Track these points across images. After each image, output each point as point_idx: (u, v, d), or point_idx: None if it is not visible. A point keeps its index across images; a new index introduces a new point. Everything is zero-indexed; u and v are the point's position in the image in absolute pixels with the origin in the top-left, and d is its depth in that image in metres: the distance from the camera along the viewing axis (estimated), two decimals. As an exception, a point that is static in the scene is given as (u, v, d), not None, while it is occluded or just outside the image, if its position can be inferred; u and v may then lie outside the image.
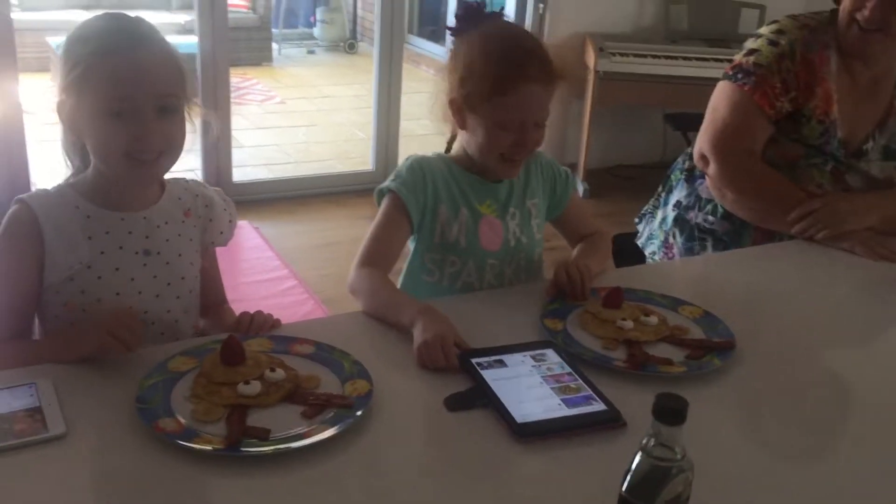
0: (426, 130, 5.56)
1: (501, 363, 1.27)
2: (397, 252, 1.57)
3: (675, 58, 4.37)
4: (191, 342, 1.32)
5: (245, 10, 7.16)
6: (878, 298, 1.68)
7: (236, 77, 6.55)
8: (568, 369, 1.27)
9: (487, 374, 1.24)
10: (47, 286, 1.29)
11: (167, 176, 1.37)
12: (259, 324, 1.34)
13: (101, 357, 1.22)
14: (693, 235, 2.07)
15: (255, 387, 1.15)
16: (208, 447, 1.05)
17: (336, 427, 1.10)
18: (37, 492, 1.00)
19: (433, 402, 1.19)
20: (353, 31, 8.13)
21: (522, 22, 4.69)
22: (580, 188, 4.30)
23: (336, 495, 1.02)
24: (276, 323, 1.36)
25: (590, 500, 1.03)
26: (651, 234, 2.21)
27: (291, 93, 6.65)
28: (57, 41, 4.74)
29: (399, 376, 1.26)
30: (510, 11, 4.87)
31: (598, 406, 1.19)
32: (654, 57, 4.37)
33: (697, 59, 4.34)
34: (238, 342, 1.21)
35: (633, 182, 4.59)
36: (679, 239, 2.09)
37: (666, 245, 2.14)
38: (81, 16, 5.52)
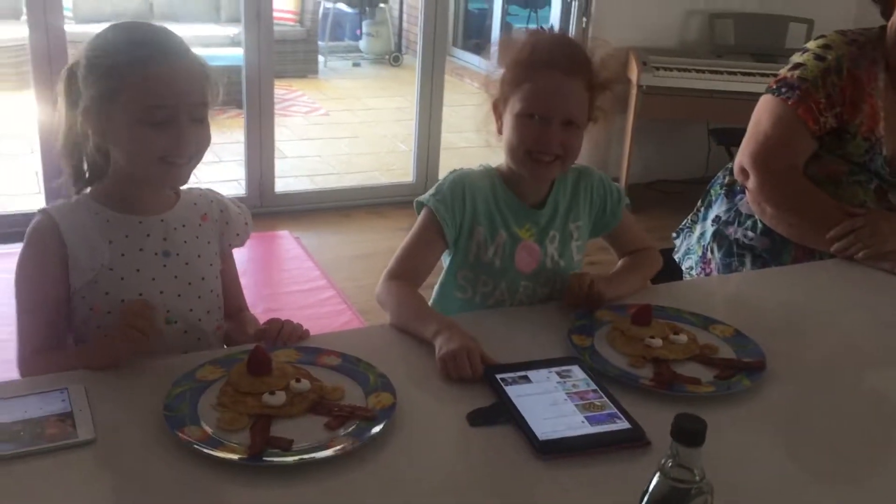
0: (468, 143, 5.59)
1: (526, 379, 1.27)
2: (429, 268, 1.56)
3: (720, 72, 4.33)
4: (220, 352, 1.34)
5: (292, 24, 7.27)
6: (918, 322, 1.64)
7: (282, 89, 6.65)
8: (593, 386, 1.26)
9: (511, 390, 1.23)
10: (73, 292, 1.33)
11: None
12: (287, 334, 1.35)
13: (131, 358, 1.25)
14: (731, 251, 2.05)
15: (279, 397, 1.16)
16: (231, 456, 1.06)
17: (358, 439, 1.11)
18: (65, 495, 1.02)
19: (456, 417, 1.19)
20: (399, 43, 8.20)
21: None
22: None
23: (356, 507, 1.03)
24: (304, 334, 1.37)
25: (610, 519, 1.02)
26: (689, 248, 2.19)
27: (336, 104, 6.72)
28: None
29: (423, 390, 1.27)
30: (554, 24, 4.89)
31: (623, 424, 1.18)
32: (698, 71, 4.33)
33: (743, 73, 4.29)
34: (265, 353, 1.22)
35: (675, 197, 4.54)
36: (717, 254, 2.07)
37: (704, 260, 2.12)
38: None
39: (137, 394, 1.19)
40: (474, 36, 8.27)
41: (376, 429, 1.13)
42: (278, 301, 3.42)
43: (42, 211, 1.34)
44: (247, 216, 1.51)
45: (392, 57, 8.06)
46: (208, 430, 1.11)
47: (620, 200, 1.65)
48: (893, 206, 1.93)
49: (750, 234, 2.01)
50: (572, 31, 4.63)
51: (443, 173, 4.62)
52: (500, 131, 1.53)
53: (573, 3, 4.61)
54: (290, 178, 4.77)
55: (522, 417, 1.18)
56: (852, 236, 1.83)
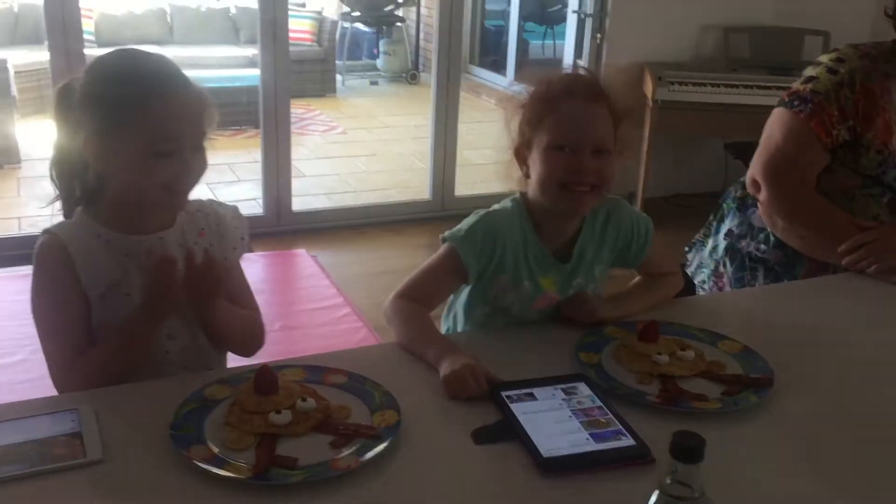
0: (485, 160, 5.61)
1: (531, 396, 1.27)
2: (441, 298, 1.55)
3: (736, 86, 4.33)
4: (227, 371, 1.35)
5: (310, 43, 7.35)
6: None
7: (300, 108, 6.72)
8: (599, 403, 1.26)
9: (516, 408, 1.24)
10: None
11: None
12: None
13: (169, 309, 1.33)
14: (744, 265, 2.04)
15: (285, 416, 1.17)
16: (236, 475, 1.07)
17: (362, 457, 1.11)
18: (72, 515, 1.03)
19: (461, 435, 1.20)
20: (416, 62, 8.26)
21: (580, 51, 4.71)
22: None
23: (360, 526, 1.04)
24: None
25: (613, 537, 1.02)
26: (701, 262, 2.19)
27: (353, 123, 6.78)
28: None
29: (429, 408, 1.27)
30: (569, 41, 4.90)
31: (627, 441, 1.18)
32: (714, 85, 4.33)
33: (759, 87, 4.28)
34: (271, 372, 1.24)
35: (691, 211, 4.52)
36: (730, 268, 2.07)
37: (716, 274, 2.11)
38: (155, 51, 5.63)
39: (146, 414, 1.21)
40: (491, 53, 8.31)
41: (380, 447, 1.13)
42: (294, 319, 3.44)
43: (46, 232, 1.35)
44: (244, 231, 1.51)
45: (409, 75, 8.12)
46: (214, 449, 1.12)
47: (647, 244, 1.58)
48: (907, 220, 1.92)
49: (763, 247, 2.01)
50: (587, 48, 4.65)
51: (459, 190, 4.70)
52: (527, 175, 1.49)
53: (587, 19, 4.63)
54: (308, 196, 4.81)
55: (527, 434, 1.18)
56: (863, 250, 1.82)
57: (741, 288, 2.02)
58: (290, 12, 4.19)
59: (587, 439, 1.18)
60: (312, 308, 3.50)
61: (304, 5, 7.81)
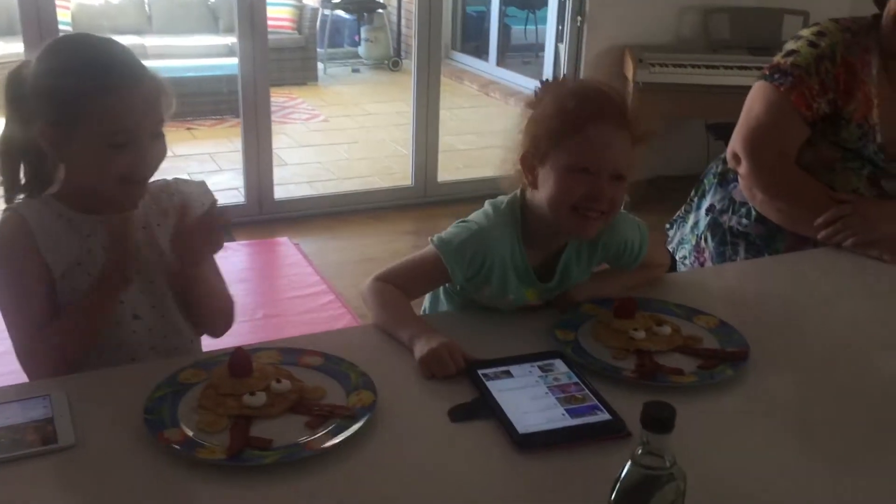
0: (468, 146, 5.61)
1: (508, 374, 1.27)
2: (422, 293, 1.54)
3: (717, 67, 4.33)
4: (201, 355, 1.34)
5: (290, 31, 7.30)
6: (907, 307, 1.63)
7: (281, 97, 6.68)
8: (575, 379, 1.26)
9: (493, 385, 1.24)
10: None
11: None
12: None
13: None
14: (725, 239, 2.05)
15: (260, 398, 1.17)
16: (209, 457, 1.07)
17: (336, 437, 1.11)
18: (44, 500, 1.02)
19: (438, 413, 1.20)
20: (398, 48, 8.22)
21: (562, 35, 4.71)
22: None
23: (336, 505, 1.03)
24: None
25: (588, 510, 1.02)
26: (682, 238, 2.19)
27: (335, 111, 6.75)
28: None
29: (406, 387, 1.27)
30: (551, 25, 4.90)
31: (603, 416, 1.18)
32: (695, 67, 4.33)
33: (739, 67, 4.28)
34: (245, 354, 1.23)
35: (674, 194, 4.51)
36: (711, 243, 2.07)
37: (697, 249, 2.12)
38: (134, 41, 5.61)
39: (119, 399, 1.20)
40: (473, 39, 8.28)
41: (355, 427, 1.13)
42: (278, 307, 3.44)
43: (8, 209, 1.34)
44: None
45: (391, 62, 8.09)
46: (188, 432, 1.12)
47: (639, 258, 1.54)
48: (886, 193, 1.93)
49: (744, 221, 2.01)
50: (567, 30, 4.64)
51: (442, 176, 4.68)
52: (532, 185, 1.44)
53: (568, 2, 4.61)
54: (290, 184, 4.79)
55: (503, 412, 1.18)
56: (840, 223, 1.82)
57: (722, 263, 2.03)
58: (269, 0, 4.16)
59: (563, 415, 1.18)
60: (295, 296, 3.49)
61: (283, -7, 7.76)
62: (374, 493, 1.06)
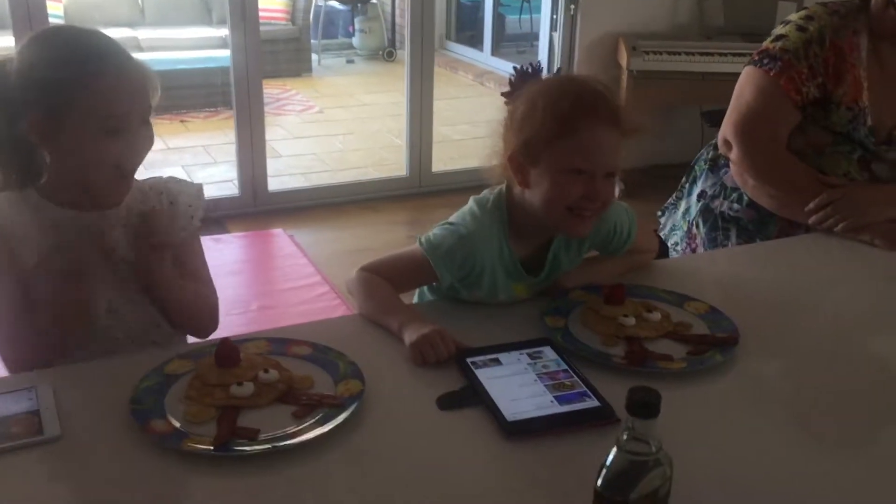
0: (463, 135, 5.59)
1: (497, 361, 1.26)
2: (407, 289, 1.50)
3: (711, 54, 4.32)
4: (188, 346, 1.34)
5: (284, 23, 7.27)
6: (898, 292, 1.63)
7: (276, 88, 6.67)
8: (564, 366, 1.25)
9: (481, 373, 1.23)
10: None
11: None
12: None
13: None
14: (717, 225, 2.04)
15: (247, 388, 1.16)
16: (196, 447, 1.06)
17: (324, 426, 1.10)
18: (30, 493, 1.02)
19: (426, 402, 1.19)
20: (392, 39, 8.19)
21: (556, 24, 4.69)
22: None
23: (324, 494, 1.03)
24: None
25: (576, 495, 1.01)
26: (674, 225, 2.19)
27: (330, 102, 6.73)
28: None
29: (394, 376, 1.26)
30: (545, 14, 4.87)
31: (592, 403, 1.17)
32: (689, 54, 4.32)
33: (734, 54, 4.25)
34: (232, 344, 1.22)
35: (669, 182, 4.51)
36: (702, 229, 2.07)
37: (689, 236, 2.12)
38: (127, 34, 5.59)
39: (105, 391, 1.19)
40: (467, 28, 8.25)
41: (343, 416, 1.12)
42: (273, 298, 3.43)
43: None
44: (196, 210, 1.45)
45: (386, 52, 8.06)
46: (175, 423, 1.11)
47: (626, 244, 1.55)
48: (876, 176, 1.93)
49: (736, 206, 2.01)
50: (561, 19, 4.62)
51: (436, 166, 4.67)
52: (522, 184, 1.41)
53: (561, -10, 4.60)
54: (285, 176, 4.78)
55: (491, 399, 1.17)
56: (830, 208, 1.82)
57: (714, 248, 2.03)
58: (262, -9, 4.14)
59: (552, 402, 1.17)
60: (290, 287, 3.48)
61: (277, -16, 7.73)
62: (363, 482, 1.05)
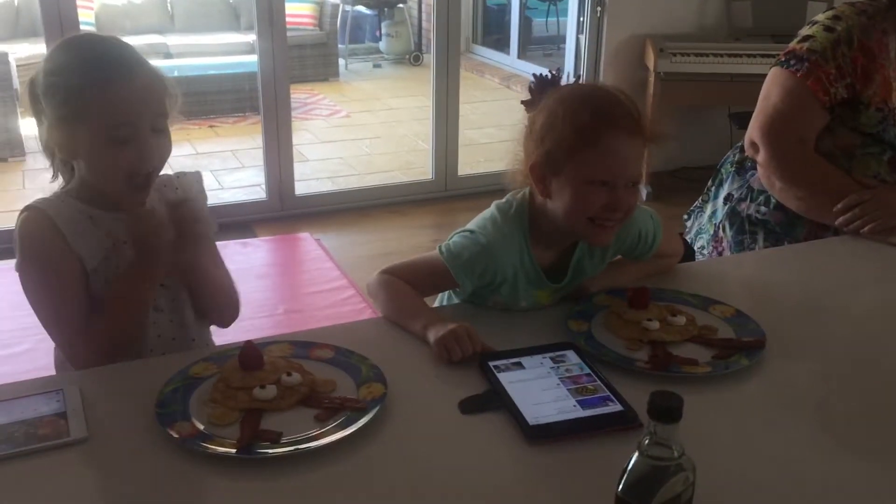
0: (489, 139, 5.59)
1: (519, 365, 1.26)
2: (427, 294, 1.49)
3: (739, 55, 4.27)
4: (213, 349, 1.35)
5: (311, 28, 7.31)
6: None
7: (303, 93, 6.71)
8: (587, 370, 1.25)
9: (503, 377, 1.23)
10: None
11: None
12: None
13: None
14: (743, 228, 2.02)
15: (270, 391, 1.17)
16: (219, 449, 1.07)
17: (346, 429, 1.11)
18: (57, 494, 1.03)
19: (448, 406, 1.19)
20: (419, 43, 8.21)
21: (582, 27, 4.67)
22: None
23: (346, 497, 1.03)
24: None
25: (598, 500, 1.01)
26: (700, 228, 2.18)
27: (357, 106, 6.76)
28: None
29: (416, 379, 1.26)
30: (572, 16, 4.86)
31: (615, 407, 1.17)
32: (716, 55, 4.28)
33: (762, 55, 4.22)
34: (255, 347, 1.23)
35: (697, 185, 4.48)
36: (729, 232, 2.05)
37: (715, 239, 2.10)
38: (156, 40, 5.66)
39: (132, 393, 1.21)
40: (494, 32, 8.25)
41: (365, 419, 1.13)
42: (299, 302, 3.45)
43: (29, 207, 1.35)
44: (206, 197, 1.50)
45: (412, 56, 8.08)
46: (199, 425, 1.12)
47: (652, 249, 1.53)
48: (907, 179, 1.90)
49: (763, 209, 1.99)
50: (588, 21, 4.60)
51: (462, 170, 4.67)
52: (545, 195, 1.40)
53: (588, -8, 4.58)
54: (312, 180, 4.80)
55: (513, 403, 1.17)
56: (858, 210, 1.80)
57: (740, 252, 2.01)
58: (289, -3, 4.17)
59: (574, 406, 1.17)
60: (317, 291, 3.50)
61: (304, -10, 7.78)
62: (385, 485, 1.05)
